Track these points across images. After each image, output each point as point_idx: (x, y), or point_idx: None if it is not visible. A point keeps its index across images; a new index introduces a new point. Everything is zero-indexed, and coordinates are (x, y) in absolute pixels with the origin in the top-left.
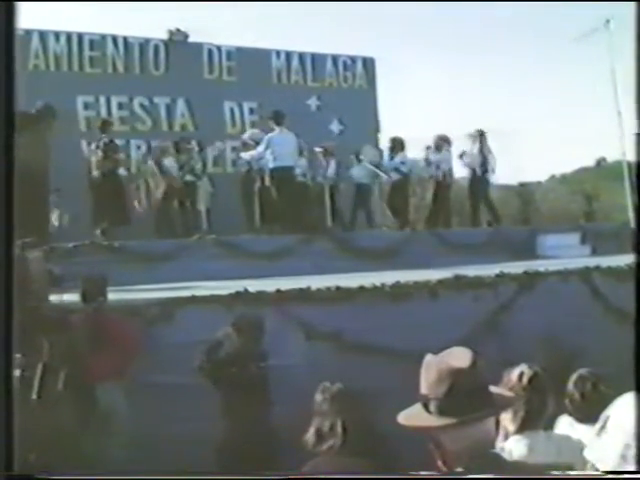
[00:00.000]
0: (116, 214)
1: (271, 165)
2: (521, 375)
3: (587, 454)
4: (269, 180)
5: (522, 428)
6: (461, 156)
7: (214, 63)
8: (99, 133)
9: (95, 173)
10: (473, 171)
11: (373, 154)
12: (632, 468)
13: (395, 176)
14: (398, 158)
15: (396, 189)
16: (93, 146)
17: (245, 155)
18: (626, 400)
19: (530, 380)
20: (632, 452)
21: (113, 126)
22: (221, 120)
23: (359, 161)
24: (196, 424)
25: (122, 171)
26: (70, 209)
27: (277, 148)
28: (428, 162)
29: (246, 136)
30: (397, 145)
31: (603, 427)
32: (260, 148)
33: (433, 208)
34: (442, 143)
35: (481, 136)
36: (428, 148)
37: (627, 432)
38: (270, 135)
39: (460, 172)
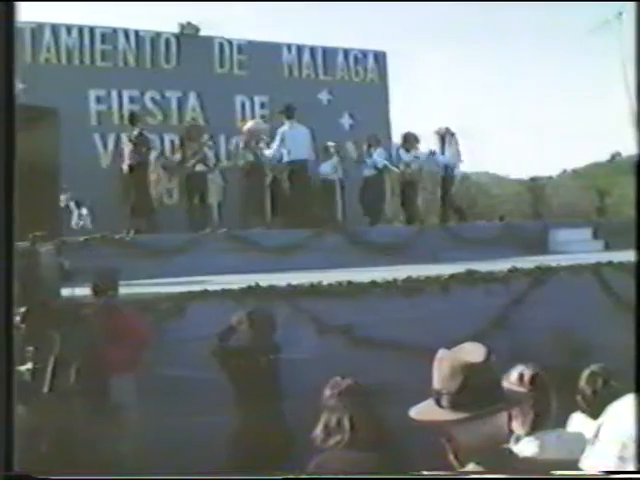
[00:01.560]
0: (145, 205)
1: (285, 159)
2: (521, 376)
3: (582, 464)
4: (284, 174)
5: (532, 430)
6: (433, 154)
7: (225, 57)
8: (129, 126)
9: (125, 165)
10: (446, 169)
11: (352, 150)
12: (633, 467)
13: (370, 172)
14: (375, 154)
15: (369, 185)
16: (124, 139)
17: (268, 152)
18: (620, 404)
19: (531, 380)
20: (630, 451)
21: (141, 119)
22: (232, 114)
23: (328, 155)
24: (207, 417)
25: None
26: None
27: (289, 142)
28: (399, 159)
29: (249, 128)
30: (373, 142)
31: (596, 435)
32: (275, 143)
33: (403, 205)
34: (413, 142)
35: (452, 135)
36: (401, 146)
37: (623, 433)
38: (282, 129)
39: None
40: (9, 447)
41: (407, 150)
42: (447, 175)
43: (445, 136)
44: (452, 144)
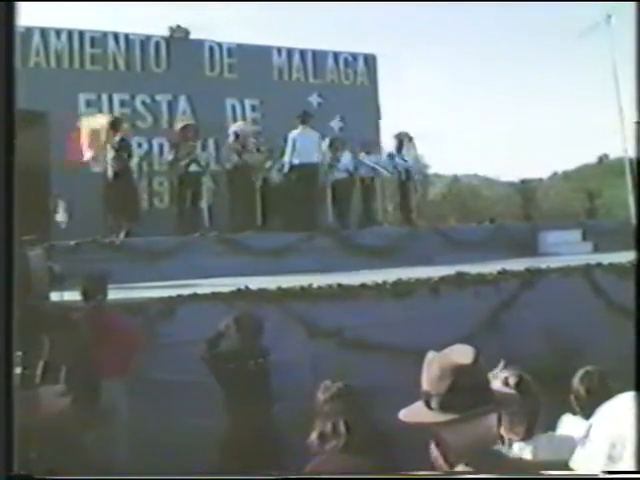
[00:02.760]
0: (129, 212)
1: (295, 162)
2: (506, 382)
3: (573, 464)
4: (292, 176)
5: (521, 435)
6: (391, 157)
7: (215, 60)
8: (111, 132)
9: (109, 172)
10: (407, 173)
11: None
12: (623, 466)
13: (338, 175)
14: (343, 158)
15: (339, 188)
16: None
17: (286, 158)
18: (610, 404)
19: (517, 385)
20: (619, 450)
21: (123, 125)
22: (222, 117)
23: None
24: (197, 421)
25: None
26: (72, 206)
27: (300, 146)
28: (360, 163)
29: (234, 130)
30: (339, 145)
31: (587, 435)
32: (288, 146)
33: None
34: (373, 147)
35: (410, 140)
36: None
37: (612, 432)
38: (294, 133)
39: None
40: (9, 448)
41: (368, 154)
42: (405, 179)
43: (403, 140)
44: (410, 149)
